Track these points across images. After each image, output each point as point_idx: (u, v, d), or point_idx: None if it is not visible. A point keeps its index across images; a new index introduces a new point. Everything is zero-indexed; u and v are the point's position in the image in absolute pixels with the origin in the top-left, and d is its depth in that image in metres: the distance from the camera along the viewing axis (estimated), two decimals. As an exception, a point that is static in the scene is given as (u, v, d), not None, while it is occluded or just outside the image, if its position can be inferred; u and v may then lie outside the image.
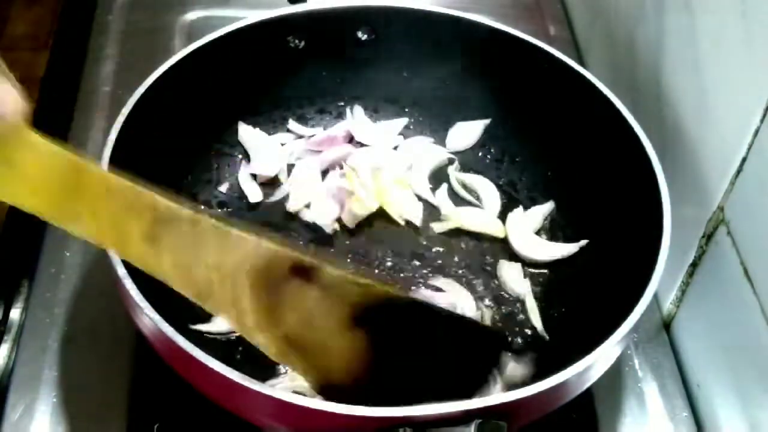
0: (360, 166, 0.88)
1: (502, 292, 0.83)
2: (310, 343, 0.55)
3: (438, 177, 0.92)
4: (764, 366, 0.69)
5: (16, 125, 0.42)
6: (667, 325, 0.86)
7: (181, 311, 0.77)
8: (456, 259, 0.85)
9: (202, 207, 0.86)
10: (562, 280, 0.83)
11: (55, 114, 0.99)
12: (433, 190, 0.91)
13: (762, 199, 0.69)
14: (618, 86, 0.82)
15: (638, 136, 0.77)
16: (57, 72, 1.04)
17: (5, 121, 0.41)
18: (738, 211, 0.73)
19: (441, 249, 0.86)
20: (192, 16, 1.12)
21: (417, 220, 0.87)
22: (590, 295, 0.79)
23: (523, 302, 0.82)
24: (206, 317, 0.77)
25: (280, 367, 0.73)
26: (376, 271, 0.83)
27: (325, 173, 0.90)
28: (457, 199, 0.90)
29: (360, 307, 0.54)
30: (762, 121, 0.68)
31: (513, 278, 0.83)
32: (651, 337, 0.84)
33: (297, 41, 0.90)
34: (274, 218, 0.87)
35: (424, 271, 0.83)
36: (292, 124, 0.94)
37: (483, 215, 0.89)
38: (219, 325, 0.76)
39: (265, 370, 0.73)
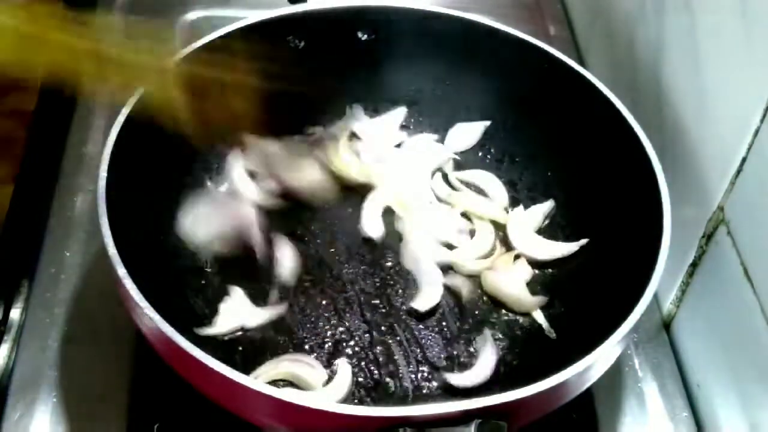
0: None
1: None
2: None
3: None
4: (764, 366, 0.69)
5: None
6: (667, 325, 0.86)
7: (182, 312, 0.77)
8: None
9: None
10: (562, 279, 0.83)
11: (55, 114, 0.99)
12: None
13: (762, 199, 0.69)
14: (618, 86, 0.82)
15: (638, 136, 0.77)
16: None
17: None
18: (738, 211, 0.73)
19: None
20: (192, 16, 1.12)
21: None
22: (590, 295, 0.79)
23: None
24: (207, 320, 0.77)
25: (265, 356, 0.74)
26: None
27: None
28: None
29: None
30: (762, 121, 0.68)
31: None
32: (651, 337, 0.84)
33: (297, 41, 0.90)
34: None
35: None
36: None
37: (487, 201, 0.89)
38: (220, 327, 0.76)
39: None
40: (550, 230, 0.87)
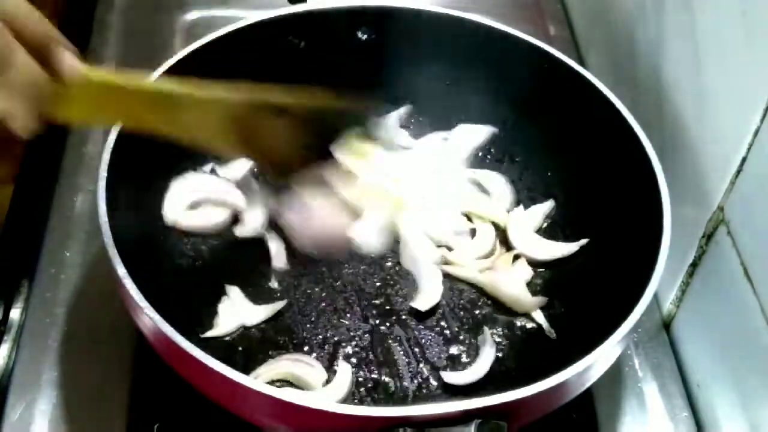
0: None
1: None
2: (271, 145, 0.73)
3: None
4: (764, 366, 0.69)
5: (73, 77, 0.59)
6: (667, 325, 0.86)
7: (182, 312, 0.77)
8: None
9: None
10: (562, 279, 0.83)
11: (55, 114, 0.98)
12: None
13: (762, 199, 0.69)
14: (618, 86, 0.82)
15: (638, 136, 0.77)
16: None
17: (67, 77, 0.58)
18: (738, 211, 0.73)
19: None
20: (192, 16, 1.12)
21: None
22: (590, 295, 0.79)
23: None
24: (207, 320, 0.77)
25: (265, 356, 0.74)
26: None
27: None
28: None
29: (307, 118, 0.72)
30: (762, 121, 0.68)
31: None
32: (651, 337, 0.84)
33: (297, 41, 0.90)
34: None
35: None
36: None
37: (489, 201, 0.89)
38: (221, 328, 0.76)
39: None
40: (550, 230, 0.87)
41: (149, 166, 0.79)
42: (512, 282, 0.81)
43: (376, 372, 0.75)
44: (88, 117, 0.68)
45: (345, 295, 0.81)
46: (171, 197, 0.84)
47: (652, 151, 0.75)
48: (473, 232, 0.87)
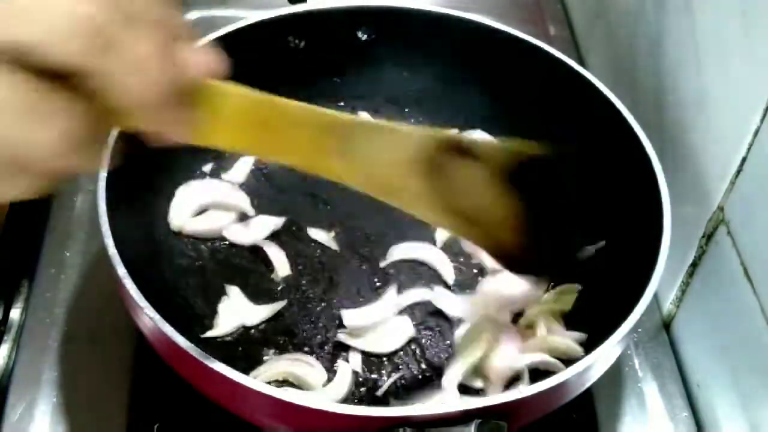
0: None
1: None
2: (477, 213, 0.60)
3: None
4: (764, 366, 0.69)
5: (210, 83, 0.47)
6: (667, 325, 0.86)
7: (182, 312, 0.77)
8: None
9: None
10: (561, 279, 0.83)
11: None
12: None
13: (762, 199, 0.69)
14: (618, 86, 0.82)
15: (638, 136, 0.77)
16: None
17: (202, 80, 0.46)
18: (738, 211, 0.73)
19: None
20: (192, 16, 1.12)
21: None
22: (590, 295, 0.79)
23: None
24: (207, 320, 0.77)
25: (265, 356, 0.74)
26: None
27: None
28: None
29: (508, 169, 0.59)
30: (762, 121, 0.68)
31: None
32: (651, 337, 0.84)
33: (297, 41, 0.90)
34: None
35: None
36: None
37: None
38: (221, 328, 0.76)
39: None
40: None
41: (150, 165, 0.79)
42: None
43: (376, 372, 0.75)
44: (218, 139, 0.51)
45: (345, 294, 0.81)
46: (176, 204, 0.84)
47: (652, 151, 0.75)
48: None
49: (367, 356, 0.76)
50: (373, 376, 0.75)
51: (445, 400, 0.72)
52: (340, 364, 0.75)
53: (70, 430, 0.73)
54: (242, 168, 0.90)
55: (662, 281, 0.67)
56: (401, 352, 0.77)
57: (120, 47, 0.39)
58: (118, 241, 0.66)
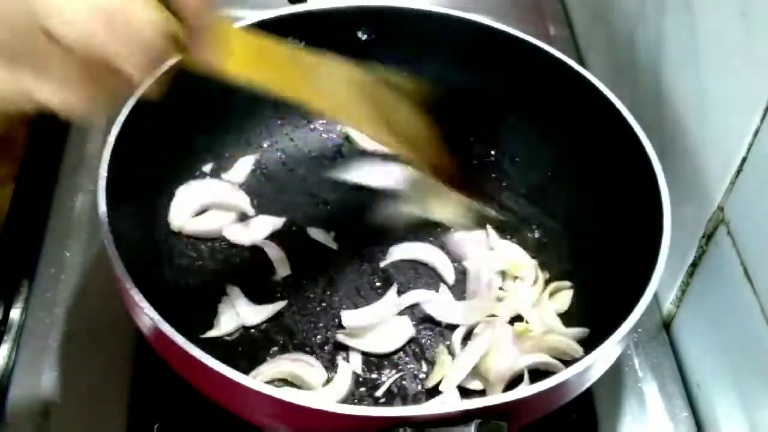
0: None
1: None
2: (411, 134, 0.72)
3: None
4: (764, 366, 0.69)
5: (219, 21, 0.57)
6: (667, 325, 0.86)
7: (182, 312, 0.77)
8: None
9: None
10: (561, 279, 0.83)
11: (56, 114, 0.98)
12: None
13: (762, 199, 0.69)
14: (618, 86, 0.82)
15: (638, 136, 0.77)
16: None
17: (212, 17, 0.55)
18: (738, 211, 0.73)
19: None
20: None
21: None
22: (590, 295, 0.79)
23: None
24: (207, 320, 0.77)
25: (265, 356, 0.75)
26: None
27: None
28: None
29: (424, 101, 0.73)
30: (762, 121, 0.68)
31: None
32: (651, 337, 0.84)
33: (297, 41, 0.90)
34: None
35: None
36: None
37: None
38: (221, 328, 0.76)
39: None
40: (549, 232, 0.87)
41: (150, 165, 0.79)
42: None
43: (376, 372, 0.75)
44: (211, 66, 0.60)
45: (345, 294, 0.81)
46: (177, 204, 0.84)
47: (652, 151, 0.75)
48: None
49: (367, 356, 0.76)
50: (373, 376, 0.75)
51: (445, 400, 0.72)
52: (340, 364, 0.75)
53: (70, 429, 0.73)
54: (242, 168, 0.90)
55: (662, 281, 0.67)
56: (401, 352, 0.77)
57: None
58: (118, 241, 0.66)
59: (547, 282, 0.81)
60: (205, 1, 0.54)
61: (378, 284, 0.82)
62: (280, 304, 0.79)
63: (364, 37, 0.92)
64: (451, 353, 0.76)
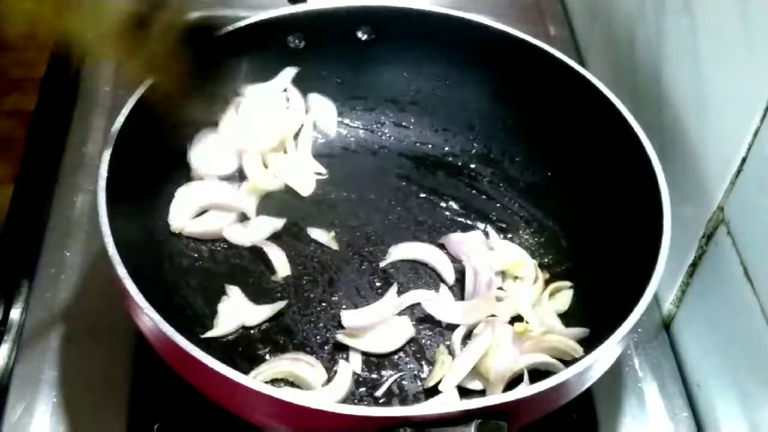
0: None
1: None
2: (164, 61, 0.74)
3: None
4: (764, 366, 0.69)
5: None
6: (667, 325, 0.86)
7: (182, 312, 0.77)
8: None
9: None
10: (561, 279, 0.83)
11: (55, 114, 0.99)
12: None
13: (762, 199, 0.69)
14: (618, 86, 0.82)
15: (638, 136, 0.77)
16: (57, 72, 1.04)
17: None
18: (738, 211, 0.73)
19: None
20: (192, 16, 1.11)
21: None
22: (590, 296, 0.79)
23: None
24: (207, 320, 0.77)
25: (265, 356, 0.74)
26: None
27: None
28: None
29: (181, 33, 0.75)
30: (762, 121, 0.68)
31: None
32: (651, 337, 0.84)
33: (297, 41, 0.90)
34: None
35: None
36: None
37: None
38: (221, 328, 0.76)
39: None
40: (549, 232, 0.87)
41: (149, 165, 0.79)
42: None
43: (376, 372, 0.75)
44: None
45: (345, 294, 0.81)
46: (177, 205, 0.84)
47: (652, 152, 0.75)
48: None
49: (367, 356, 0.76)
50: (373, 376, 0.75)
51: (444, 400, 0.72)
52: (340, 364, 0.75)
53: (70, 430, 0.73)
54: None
55: (662, 281, 0.67)
56: (401, 352, 0.77)
57: None
58: (118, 241, 0.66)
59: (546, 282, 0.82)
60: None
61: (378, 284, 0.82)
62: (280, 304, 0.79)
63: (364, 37, 0.92)
64: (451, 353, 0.76)
